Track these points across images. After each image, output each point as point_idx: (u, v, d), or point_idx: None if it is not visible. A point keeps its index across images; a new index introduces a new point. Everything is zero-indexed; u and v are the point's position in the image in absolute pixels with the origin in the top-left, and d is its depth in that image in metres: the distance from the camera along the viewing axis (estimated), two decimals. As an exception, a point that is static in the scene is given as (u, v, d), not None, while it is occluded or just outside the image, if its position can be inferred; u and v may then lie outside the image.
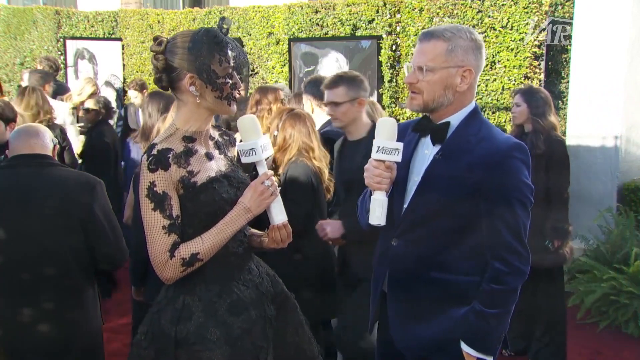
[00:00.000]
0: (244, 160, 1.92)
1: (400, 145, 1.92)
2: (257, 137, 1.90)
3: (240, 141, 1.98)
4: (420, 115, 2.08)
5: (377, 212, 1.93)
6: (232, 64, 1.80)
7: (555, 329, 3.81)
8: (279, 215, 1.92)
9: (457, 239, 1.95)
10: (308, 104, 3.69)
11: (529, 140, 3.63)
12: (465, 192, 1.90)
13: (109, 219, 2.42)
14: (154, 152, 1.80)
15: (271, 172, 1.91)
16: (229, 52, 1.79)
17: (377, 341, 2.27)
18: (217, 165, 1.93)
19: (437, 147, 1.98)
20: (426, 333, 1.99)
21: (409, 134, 2.06)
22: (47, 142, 2.46)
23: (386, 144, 1.90)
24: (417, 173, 2.00)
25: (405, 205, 2.01)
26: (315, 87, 3.67)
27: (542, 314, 3.80)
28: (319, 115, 3.66)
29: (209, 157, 1.91)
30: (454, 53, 1.91)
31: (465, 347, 1.93)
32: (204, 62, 1.77)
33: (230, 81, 1.82)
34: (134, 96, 6.41)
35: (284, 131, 2.92)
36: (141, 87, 6.35)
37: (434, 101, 1.95)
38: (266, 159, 1.97)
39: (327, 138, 3.42)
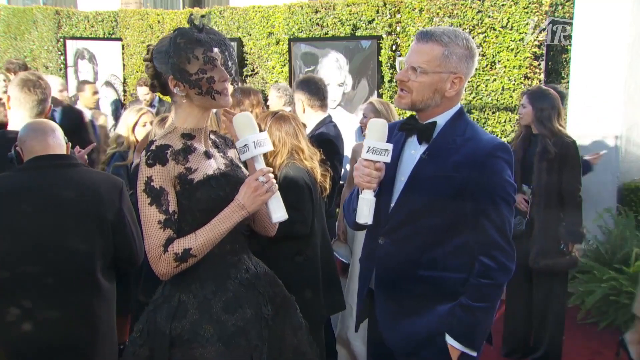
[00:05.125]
0: (242, 157, 1.92)
1: (390, 146, 1.95)
2: (250, 134, 1.89)
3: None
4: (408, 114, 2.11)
5: (365, 211, 1.96)
6: (201, 59, 1.79)
7: (556, 330, 3.81)
8: (276, 212, 1.90)
9: (443, 237, 1.97)
10: (299, 104, 3.61)
11: (540, 143, 3.61)
12: (451, 191, 1.93)
13: (133, 220, 2.43)
14: (153, 147, 1.82)
15: (268, 168, 1.89)
16: (197, 48, 1.79)
17: (367, 341, 2.29)
18: (216, 163, 1.93)
19: (424, 147, 2.01)
20: (414, 329, 2.01)
21: (396, 133, 2.09)
22: (62, 140, 2.44)
23: (377, 144, 1.93)
24: (404, 173, 2.03)
25: (392, 204, 2.04)
26: (308, 87, 3.62)
27: (546, 315, 3.80)
28: (311, 115, 3.62)
29: (208, 155, 1.92)
30: (449, 59, 1.94)
31: (450, 340, 1.96)
32: (174, 62, 1.80)
33: (205, 76, 1.80)
34: (144, 93, 6.14)
35: (271, 135, 2.90)
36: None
37: (422, 102, 1.99)
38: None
39: (324, 138, 3.40)
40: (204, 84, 1.82)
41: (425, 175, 1.97)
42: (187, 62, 1.79)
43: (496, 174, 1.92)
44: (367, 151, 1.94)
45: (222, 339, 1.81)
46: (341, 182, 4.45)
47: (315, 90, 3.61)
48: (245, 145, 1.88)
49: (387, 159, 1.95)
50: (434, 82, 1.95)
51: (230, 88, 1.92)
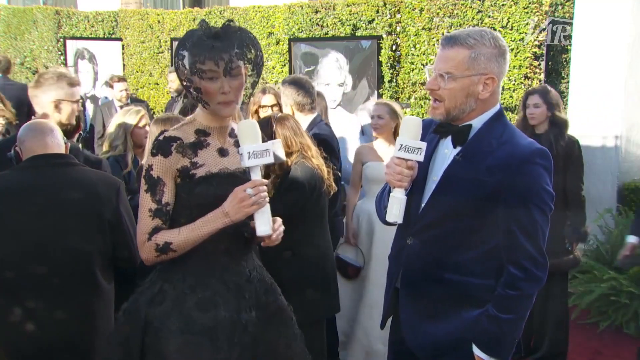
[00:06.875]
0: (242, 164, 1.88)
1: (424, 145, 1.90)
2: (246, 143, 1.83)
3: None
4: None
5: (395, 210, 1.92)
6: (188, 69, 1.79)
7: (559, 329, 3.81)
8: (261, 226, 1.85)
9: (472, 241, 1.93)
10: (288, 109, 3.52)
11: (544, 141, 3.60)
12: (484, 194, 1.88)
13: (131, 220, 2.43)
14: (161, 137, 1.86)
15: (262, 181, 1.84)
16: (188, 57, 1.78)
17: (389, 341, 2.25)
18: (229, 162, 1.93)
19: (458, 148, 1.96)
20: (438, 333, 1.98)
21: (430, 133, 2.04)
22: (61, 140, 2.44)
23: (410, 142, 1.89)
24: (437, 173, 1.99)
25: (423, 204, 2.00)
26: (297, 90, 3.50)
27: (548, 315, 3.81)
28: (302, 118, 3.48)
29: (222, 152, 1.92)
30: (477, 61, 1.88)
31: (477, 351, 1.92)
32: (175, 64, 1.85)
33: (192, 85, 1.81)
34: (119, 89, 6.05)
35: (279, 137, 2.90)
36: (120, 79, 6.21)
37: (456, 108, 1.93)
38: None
39: (320, 139, 3.38)
40: (193, 92, 1.83)
41: (458, 177, 1.92)
42: (178, 68, 1.83)
43: (532, 180, 1.85)
44: (400, 149, 1.89)
45: (185, 335, 1.82)
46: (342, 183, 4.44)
47: (305, 93, 3.54)
48: (241, 154, 1.84)
49: (420, 157, 1.90)
50: (464, 86, 1.89)
51: (239, 98, 1.88)
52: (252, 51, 1.84)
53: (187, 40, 1.80)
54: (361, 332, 3.66)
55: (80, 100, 3.02)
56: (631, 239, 3.46)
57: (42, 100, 2.84)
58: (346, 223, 3.84)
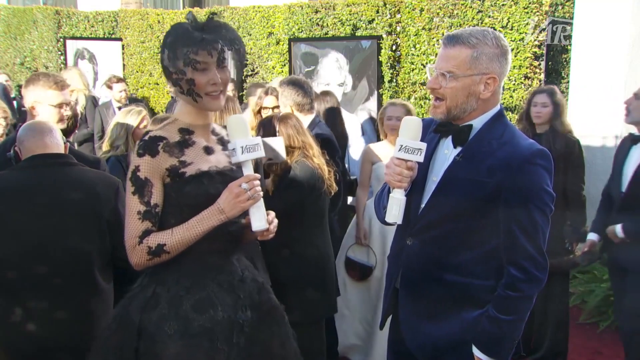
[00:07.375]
0: (232, 160, 1.86)
1: (424, 145, 1.90)
2: (238, 138, 1.82)
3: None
4: None
5: (394, 211, 1.92)
6: (181, 60, 1.76)
7: (559, 329, 3.81)
8: (256, 222, 1.83)
9: (473, 242, 1.93)
10: (288, 110, 3.53)
11: (544, 141, 3.60)
12: (484, 195, 1.88)
13: None
14: (146, 138, 1.81)
15: (255, 175, 1.83)
16: (180, 48, 1.76)
17: (388, 340, 2.25)
18: (216, 160, 1.90)
19: (458, 148, 1.96)
20: (437, 333, 1.98)
21: (430, 132, 2.04)
22: (60, 140, 2.44)
23: (410, 143, 1.88)
24: (437, 173, 1.99)
25: (423, 205, 2.00)
26: (296, 91, 3.53)
27: (548, 315, 3.81)
28: (301, 119, 3.56)
29: (208, 150, 1.90)
30: (479, 61, 1.88)
31: (476, 352, 1.92)
32: (162, 58, 1.81)
33: (184, 77, 1.78)
34: (118, 90, 6.05)
35: (282, 135, 2.91)
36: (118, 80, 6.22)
37: (457, 107, 1.92)
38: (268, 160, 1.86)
39: (322, 139, 3.39)
40: (183, 85, 1.80)
41: (458, 178, 1.92)
42: (168, 60, 1.79)
43: (533, 181, 1.85)
44: (400, 149, 1.89)
45: (184, 338, 1.79)
46: (353, 177, 4.44)
47: (304, 93, 3.55)
48: (233, 149, 1.82)
49: (420, 158, 1.90)
50: (466, 85, 1.89)
51: (226, 91, 1.88)
52: (236, 46, 1.83)
53: (176, 32, 1.78)
54: (381, 334, 3.64)
55: (72, 104, 3.00)
56: (591, 236, 3.53)
57: (25, 100, 2.87)
58: (357, 223, 3.83)
